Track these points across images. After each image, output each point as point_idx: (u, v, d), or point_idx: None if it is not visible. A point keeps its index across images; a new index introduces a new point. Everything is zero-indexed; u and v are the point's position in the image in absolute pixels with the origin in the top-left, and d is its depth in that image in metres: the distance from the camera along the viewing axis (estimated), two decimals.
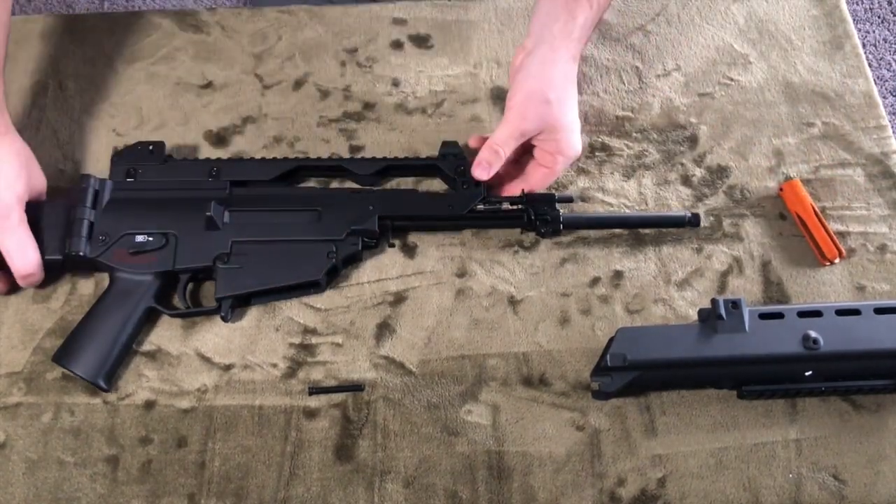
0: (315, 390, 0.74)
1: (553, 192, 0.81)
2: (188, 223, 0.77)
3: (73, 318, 0.77)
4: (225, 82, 0.91)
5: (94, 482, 0.70)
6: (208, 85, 0.91)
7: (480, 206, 0.79)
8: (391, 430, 0.72)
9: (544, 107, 0.77)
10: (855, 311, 0.68)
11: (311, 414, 0.73)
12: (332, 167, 0.83)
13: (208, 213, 0.76)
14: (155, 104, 0.89)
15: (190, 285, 0.78)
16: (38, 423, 0.72)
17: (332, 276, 0.78)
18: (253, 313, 0.78)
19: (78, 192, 0.77)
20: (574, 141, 0.80)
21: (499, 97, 0.90)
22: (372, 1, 0.98)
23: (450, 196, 0.80)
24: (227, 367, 0.75)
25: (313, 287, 0.78)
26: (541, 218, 0.78)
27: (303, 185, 0.84)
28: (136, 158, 0.80)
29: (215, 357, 0.76)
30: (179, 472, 0.70)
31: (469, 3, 0.96)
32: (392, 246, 0.80)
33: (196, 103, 0.89)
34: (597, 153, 0.86)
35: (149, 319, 0.76)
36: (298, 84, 0.91)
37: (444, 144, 0.82)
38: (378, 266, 0.80)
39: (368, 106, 0.89)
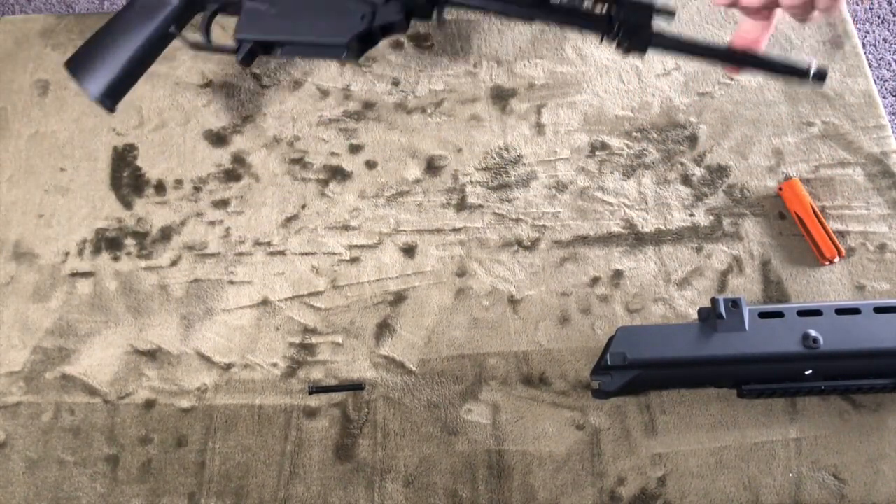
0: (315, 390, 0.74)
1: (650, 3, 0.66)
2: None
3: (72, 317, 0.77)
4: (225, 82, 0.91)
5: (94, 481, 0.70)
6: (208, 84, 0.91)
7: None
8: (391, 429, 0.72)
9: None
10: (855, 311, 0.69)
11: (311, 413, 0.73)
12: None
13: None
14: (155, 104, 0.89)
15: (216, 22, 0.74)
16: (38, 423, 0.73)
17: (366, 44, 0.72)
18: (252, 313, 0.78)
19: None
20: None
21: (498, 96, 0.90)
22: None
23: None
24: (227, 367, 0.75)
25: (345, 51, 0.71)
26: (628, 26, 0.65)
27: None
28: None
29: (215, 356, 0.76)
30: (179, 472, 0.70)
31: None
32: (442, 22, 0.72)
33: (196, 103, 0.89)
34: (597, 152, 0.86)
35: (165, 46, 0.72)
36: (298, 84, 0.91)
37: None
38: (378, 266, 0.80)
39: (368, 105, 0.89)
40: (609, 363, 0.68)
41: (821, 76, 0.64)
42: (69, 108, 0.89)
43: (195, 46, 0.72)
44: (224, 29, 0.90)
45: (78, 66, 0.69)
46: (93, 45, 0.69)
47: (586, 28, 0.69)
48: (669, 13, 0.66)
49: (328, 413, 0.73)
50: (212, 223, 0.83)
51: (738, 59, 0.66)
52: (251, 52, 0.70)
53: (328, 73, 0.91)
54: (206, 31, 0.71)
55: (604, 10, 0.67)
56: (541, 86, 0.90)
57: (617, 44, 0.68)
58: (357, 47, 0.71)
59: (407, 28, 0.71)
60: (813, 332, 0.67)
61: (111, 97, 0.69)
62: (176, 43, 0.93)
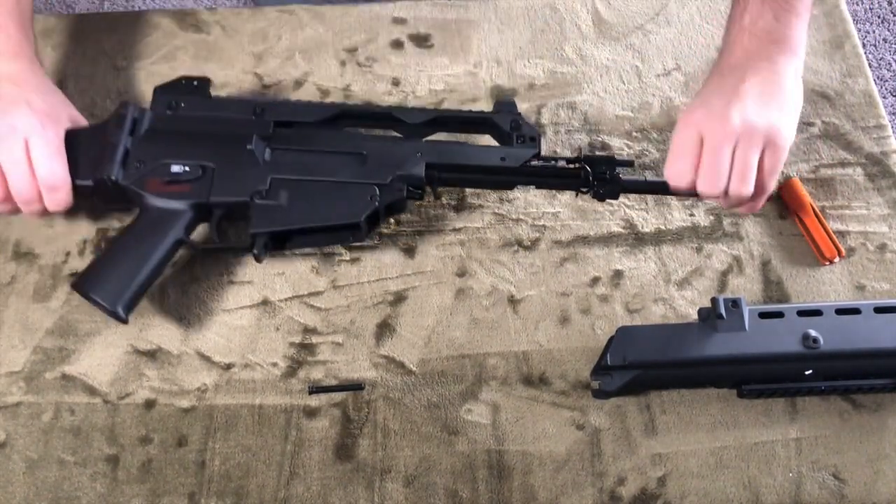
0: (315, 389, 0.74)
1: (612, 154, 0.78)
2: (227, 156, 0.75)
3: (73, 317, 0.77)
4: (225, 81, 0.91)
5: (95, 481, 0.70)
6: None
7: (534, 163, 0.76)
8: (391, 429, 0.72)
9: None
10: (855, 311, 0.69)
11: (311, 413, 0.73)
12: (379, 115, 0.80)
13: (249, 147, 0.74)
14: None
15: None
16: (39, 423, 0.73)
17: (373, 223, 0.76)
18: (253, 313, 0.78)
19: (116, 119, 0.75)
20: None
21: (498, 96, 0.90)
22: (372, 0, 0.98)
23: (502, 149, 0.77)
24: (228, 367, 0.75)
25: (353, 232, 0.75)
26: (599, 178, 0.74)
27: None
28: (180, 92, 0.78)
29: (215, 356, 0.76)
30: (179, 472, 0.70)
31: (469, 3, 0.96)
32: (438, 198, 0.77)
33: None
34: (597, 153, 0.86)
35: (175, 253, 0.74)
36: (298, 84, 0.91)
37: (498, 101, 0.79)
38: (378, 266, 0.80)
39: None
40: (609, 363, 0.68)
41: None
42: None
43: (207, 248, 0.75)
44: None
45: (86, 282, 0.71)
46: (106, 261, 0.71)
47: (563, 186, 0.78)
48: (629, 164, 0.77)
49: (328, 413, 0.73)
50: None
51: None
52: (265, 245, 0.73)
53: (328, 72, 0.91)
54: (217, 232, 0.75)
55: (575, 167, 0.76)
56: (541, 86, 0.90)
57: (593, 194, 0.76)
58: (366, 227, 0.75)
59: (406, 206, 0.77)
60: (813, 333, 0.67)
61: (128, 309, 0.71)
62: (176, 42, 0.93)
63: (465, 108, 0.88)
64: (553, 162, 0.77)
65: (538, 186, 0.79)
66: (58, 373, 0.75)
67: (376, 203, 0.74)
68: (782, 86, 0.71)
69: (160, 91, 0.79)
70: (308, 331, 0.77)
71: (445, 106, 0.89)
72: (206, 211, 0.75)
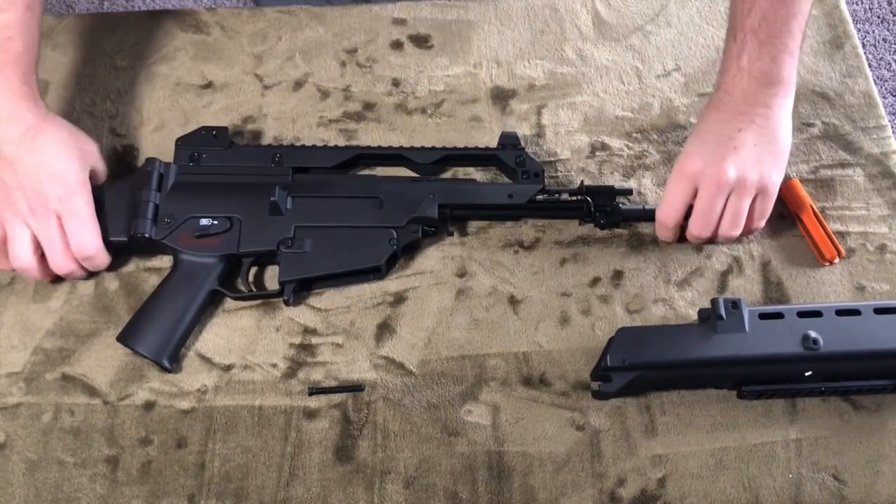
0: (315, 391, 0.74)
1: (612, 185, 0.82)
2: (252, 208, 0.78)
3: (72, 318, 0.77)
4: (225, 82, 0.91)
5: (94, 483, 0.70)
6: (208, 85, 0.91)
7: (540, 197, 0.80)
8: (391, 430, 0.72)
9: None
10: (855, 312, 0.68)
11: (311, 414, 0.73)
12: (391, 156, 0.84)
13: (273, 199, 0.76)
14: (155, 104, 0.89)
15: (253, 269, 0.79)
16: (38, 424, 0.72)
17: (392, 262, 0.79)
18: (253, 314, 0.78)
19: (143, 176, 0.78)
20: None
21: (498, 97, 0.90)
22: (372, 1, 0.98)
23: (509, 186, 0.81)
24: (227, 368, 0.75)
25: (374, 273, 0.78)
26: (600, 209, 0.79)
27: (362, 172, 0.85)
28: (200, 143, 0.81)
29: (215, 357, 0.76)
30: (179, 473, 0.70)
31: (469, 3, 0.96)
32: (451, 234, 0.81)
33: (196, 103, 0.89)
34: (597, 153, 0.86)
35: (212, 302, 0.77)
36: (298, 84, 0.91)
37: (504, 136, 0.82)
38: None
39: (368, 106, 0.89)
40: (609, 364, 0.68)
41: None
42: (69, 108, 0.89)
43: (240, 297, 0.77)
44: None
45: (131, 336, 0.74)
46: (147, 314, 0.74)
47: (567, 216, 0.81)
48: (628, 192, 0.82)
49: (328, 414, 0.73)
50: None
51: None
52: (293, 290, 0.76)
53: (328, 73, 0.91)
54: (247, 281, 0.78)
55: (578, 199, 0.80)
56: (541, 86, 0.90)
57: (595, 223, 0.80)
58: (386, 267, 0.79)
59: (420, 244, 0.80)
60: (813, 333, 0.67)
61: (172, 360, 0.74)
62: (176, 42, 0.93)
63: (466, 110, 0.88)
64: (557, 195, 0.80)
65: (543, 217, 0.82)
66: (58, 374, 0.75)
67: (395, 246, 0.77)
68: (777, 133, 0.74)
69: (181, 143, 0.81)
70: (308, 332, 0.77)
71: (445, 107, 0.89)
72: (237, 261, 0.78)
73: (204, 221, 0.77)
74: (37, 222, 0.72)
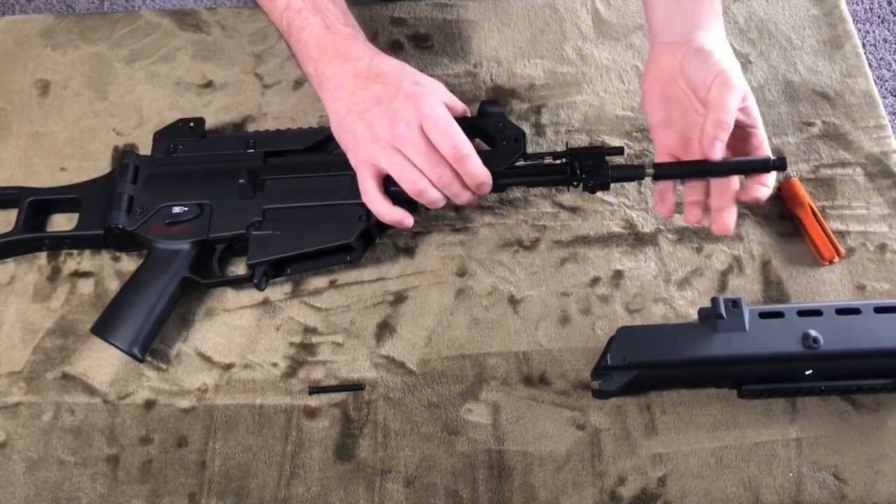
0: (315, 390, 0.74)
1: (601, 145, 0.78)
2: (222, 192, 0.77)
3: (73, 317, 0.77)
4: (225, 82, 0.91)
5: (95, 482, 0.70)
6: (208, 85, 0.91)
7: (521, 162, 0.76)
8: (391, 429, 0.72)
9: None
10: (855, 311, 0.68)
11: (311, 413, 0.73)
12: None
13: (241, 181, 0.76)
14: (155, 104, 0.89)
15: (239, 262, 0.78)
16: (39, 423, 0.73)
17: (368, 242, 0.78)
18: (253, 313, 0.78)
19: (119, 169, 0.79)
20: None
21: (498, 96, 0.90)
22: (372, 1, 0.98)
23: (488, 153, 0.76)
24: (228, 367, 0.75)
25: (348, 253, 0.77)
26: (587, 171, 0.74)
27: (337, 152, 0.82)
28: (177, 135, 0.81)
29: (215, 356, 0.76)
30: (180, 472, 0.70)
31: (469, 3, 0.96)
32: (428, 210, 0.78)
33: (196, 103, 0.89)
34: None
35: (185, 290, 0.77)
36: (298, 84, 0.91)
37: (484, 103, 0.80)
38: (378, 266, 0.80)
39: None
40: (609, 363, 0.68)
41: (781, 166, 0.72)
42: (69, 108, 0.89)
43: (211, 283, 0.77)
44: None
45: (103, 327, 0.73)
46: (119, 305, 0.74)
47: (553, 183, 0.78)
48: (618, 151, 0.76)
49: (328, 413, 0.73)
50: None
51: (711, 171, 0.72)
52: (265, 274, 0.75)
53: None
54: (219, 266, 0.77)
55: (563, 161, 0.75)
56: (541, 86, 0.90)
57: (583, 186, 0.75)
58: (360, 246, 0.77)
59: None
60: (813, 333, 0.67)
61: (144, 349, 0.73)
62: (176, 42, 0.93)
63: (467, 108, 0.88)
64: (540, 159, 0.77)
65: (528, 185, 0.80)
66: (58, 373, 0.75)
67: (365, 222, 0.75)
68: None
69: (159, 136, 0.81)
70: (308, 331, 0.77)
71: None
72: (209, 247, 0.77)
73: (175, 209, 0.77)
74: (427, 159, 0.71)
